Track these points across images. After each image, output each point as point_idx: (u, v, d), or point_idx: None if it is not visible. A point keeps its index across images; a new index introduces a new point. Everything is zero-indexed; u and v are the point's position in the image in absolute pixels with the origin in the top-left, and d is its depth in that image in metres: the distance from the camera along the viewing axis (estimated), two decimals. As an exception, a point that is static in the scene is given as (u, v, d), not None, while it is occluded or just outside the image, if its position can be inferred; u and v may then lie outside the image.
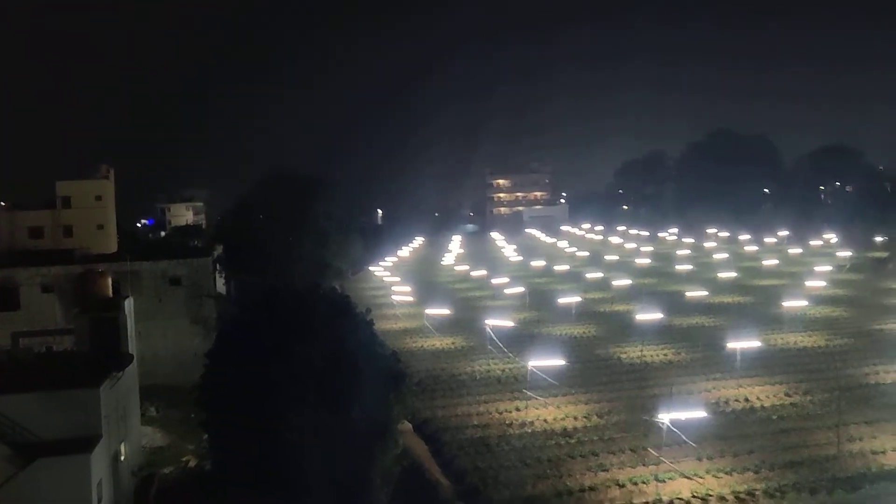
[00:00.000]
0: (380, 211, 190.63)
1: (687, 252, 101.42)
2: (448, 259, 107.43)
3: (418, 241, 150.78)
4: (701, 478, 25.35)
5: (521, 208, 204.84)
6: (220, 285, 50.89)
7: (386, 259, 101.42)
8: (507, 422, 32.42)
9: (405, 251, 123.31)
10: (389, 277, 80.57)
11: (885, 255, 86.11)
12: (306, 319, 24.66)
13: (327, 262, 58.64)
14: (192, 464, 31.43)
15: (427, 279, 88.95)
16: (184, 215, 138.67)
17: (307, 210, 57.47)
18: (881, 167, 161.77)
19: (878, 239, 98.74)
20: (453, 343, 49.73)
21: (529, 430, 31.16)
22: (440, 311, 55.97)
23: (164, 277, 46.01)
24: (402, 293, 67.20)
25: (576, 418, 32.45)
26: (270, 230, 54.65)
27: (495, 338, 44.79)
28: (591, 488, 25.03)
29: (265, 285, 36.31)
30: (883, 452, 26.96)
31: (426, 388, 38.21)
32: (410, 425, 32.03)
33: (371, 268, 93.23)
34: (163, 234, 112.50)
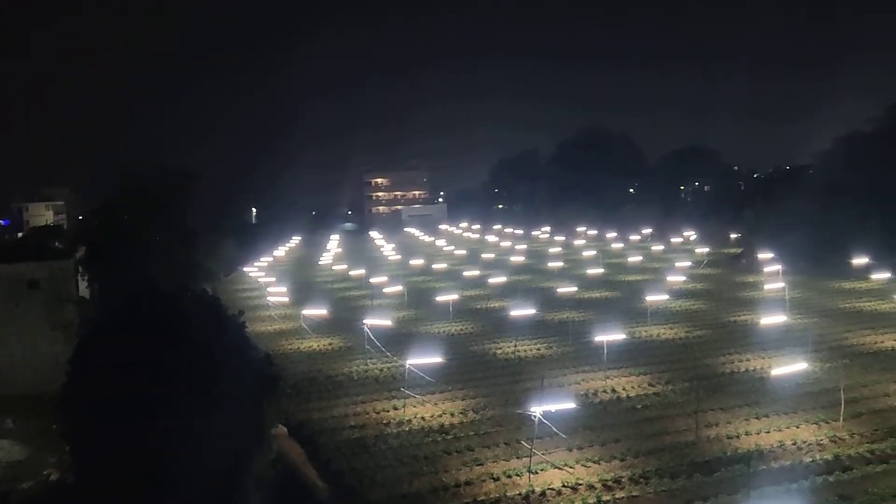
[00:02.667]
0: (254, 210, 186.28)
1: (558, 249, 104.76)
2: (326, 258, 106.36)
3: (295, 240, 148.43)
4: (571, 467, 26.24)
5: (400, 207, 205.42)
6: (83, 289, 48.27)
7: (261, 259, 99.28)
8: (384, 421, 32.44)
9: (281, 251, 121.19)
10: (264, 278, 78.90)
11: (739, 250, 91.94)
12: (174, 322, 23.78)
13: (197, 263, 56.72)
14: (53, 477, 29.66)
15: (304, 279, 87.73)
16: (43, 215, 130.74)
17: (176, 209, 55.39)
18: (736, 167, 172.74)
19: (733, 235, 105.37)
20: (330, 344, 49.28)
21: (407, 429, 31.30)
22: (317, 311, 55.35)
23: (21, 281, 43.13)
24: (277, 294, 65.99)
25: (452, 415, 32.87)
26: (136, 230, 52.27)
27: (373, 337, 44.73)
28: (467, 483, 25.43)
29: (130, 288, 34.70)
30: (737, 437, 28.75)
31: (302, 390, 37.69)
32: (285, 429, 31.50)
33: (245, 268, 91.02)
34: (20, 235, 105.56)
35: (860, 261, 67.02)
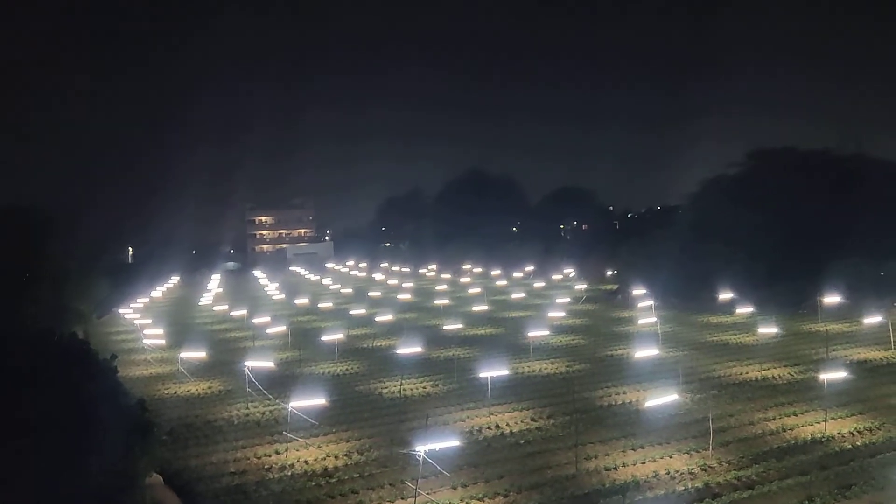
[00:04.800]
0: (130, 249, 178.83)
1: (445, 287, 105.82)
2: (206, 299, 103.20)
3: (174, 280, 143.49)
4: (456, 506, 26.29)
5: (284, 245, 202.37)
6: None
7: (137, 300, 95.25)
8: (266, 466, 31.54)
9: (159, 291, 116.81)
10: (140, 320, 75.67)
11: (614, 287, 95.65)
12: (38, 368, 22.49)
13: (66, 305, 53.88)
14: None
15: (183, 320, 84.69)
16: None
17: (42, 248, 52.57)
18: (611, 207, 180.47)
19: (609, 272, 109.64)
20: (210, 387, 47.64)
21: (289, 473, 30.55)
22: (196, 354, 53.48)
23: None
24: (153, 336, 63.35)
25: (337, 457, 32.35)
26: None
27: (254, 380, 43.59)
28: (351, 526, 25.02)
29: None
30: (615, 468, 29.64)
31: (179, 437, 36.16)
32: (161, 478, 30.09)
33: (120, 310, 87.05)
34: None
35: (725, 296, 71.09)
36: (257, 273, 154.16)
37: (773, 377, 45.16)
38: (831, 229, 79.85)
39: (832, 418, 34.88)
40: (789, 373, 46.12)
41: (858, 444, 31.80)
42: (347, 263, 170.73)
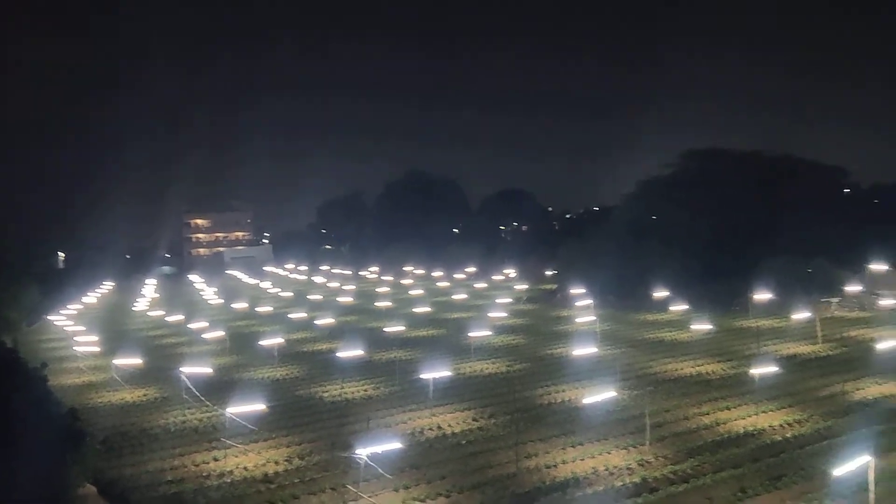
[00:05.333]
0: (61, 254, 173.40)
1: (387, 289, 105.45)
2: (141, 304, 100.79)
3: (108, 285, 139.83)
4: (397, 508, 26.28)
5: (221, 249, 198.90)
6: None
7: (69, 307, 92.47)
8: (204, 473, 31.00)
9: (92, 297, 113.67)
10: (72, 327, 73.46)
11: (554, 286, 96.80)
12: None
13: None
14: None
15: (117, 327, 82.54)
16: None
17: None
18: (550, 208, 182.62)
19: (549, 272, 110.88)
20: (145, 395, 46.55)
21: (229, 480, 30.10)
22: (131, 360, 52.21)
23: None
24: (86, 343, 61.56)
25: (277, 462, 32.00)
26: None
27: (192, 386, 42.79)
28: (292, 532, 24.78)
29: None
30: (555, 466, 30.05)
31: (113, 445, 35.24)
32: (94, 488, 29.31)
33: (51, 317, 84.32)
34: None
35: (661, 294, 72.66)
36: (194, 277, 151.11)
37: (707, 373, 46.39)
38: (762, 228, 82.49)
39: (763, 412, 36.03)
40: (722, 368, 47.43)
41: (788, 435, 32.92)
42: (287, 266, 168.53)
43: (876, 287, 77.61)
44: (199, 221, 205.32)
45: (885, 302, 70.52)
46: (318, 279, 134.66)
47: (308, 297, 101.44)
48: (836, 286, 73.49)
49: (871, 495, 22.96)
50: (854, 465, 23.09)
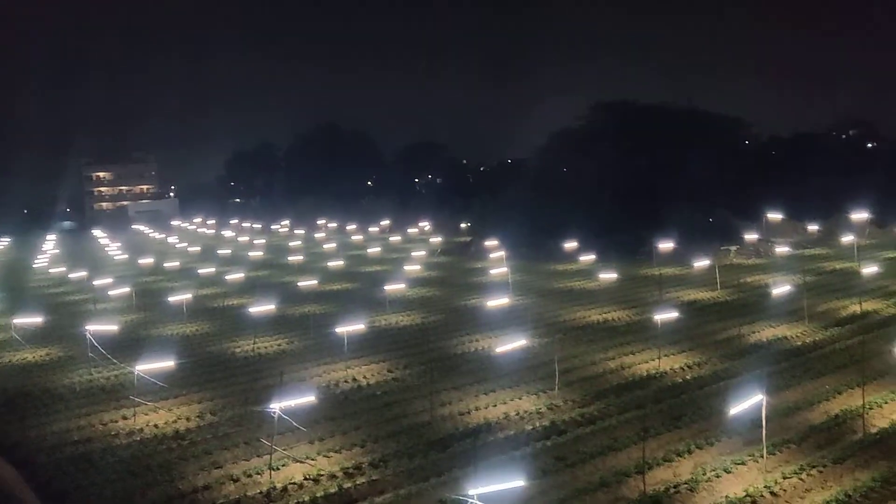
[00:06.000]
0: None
1: (299, 243, 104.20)
2: (42, 261, 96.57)
3: (4, 241, 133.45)
4: (313, 460, 26.42)
5: (126, 203, 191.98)
6: None
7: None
8: (112, 433, 30.32)
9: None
10: (-35, 286, 69.86)
11: (468, 239, 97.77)
12: None
13: None
14: None
15: (16, 285, 79.00)
16: None
17: None
18: (465, 161, 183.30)
19: (463, 225, 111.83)
20: (48, 354, 44.93)
21: (138, 438, 29.55)
22: (31, 319, 50.19)
23: None
24: (-19, 303, 58.75)
25: (188, 419, 31.57)
26: None
27: (97, 344, 41.51)
28: (205, 487, 24.62)
29: None
30: (468, 413, 30.72)
31: (15, 407, 34.05)
32: (-4, 452, 28.32)
33: (-60, 276, 79.94)
34: None
35: (570, 245, 74.44)
36: (97, 233, 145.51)
37: (613, 319, 48.08)
38: (666, 179, 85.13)
39: (665, 355, 37.66)
40: (627, 315, 49.23)
41: (688, 377, 34.58)
42: (194, 221, 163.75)
43: (772, 235, 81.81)
44: (102, 174, 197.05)
45: (780, 249, 74.39)
46: (228, 233, 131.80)
47: (217, 251, 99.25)
48: (736, 235, 77.01)
49: (764, 431, 24.50)
50: (748, 403, 24.53)
